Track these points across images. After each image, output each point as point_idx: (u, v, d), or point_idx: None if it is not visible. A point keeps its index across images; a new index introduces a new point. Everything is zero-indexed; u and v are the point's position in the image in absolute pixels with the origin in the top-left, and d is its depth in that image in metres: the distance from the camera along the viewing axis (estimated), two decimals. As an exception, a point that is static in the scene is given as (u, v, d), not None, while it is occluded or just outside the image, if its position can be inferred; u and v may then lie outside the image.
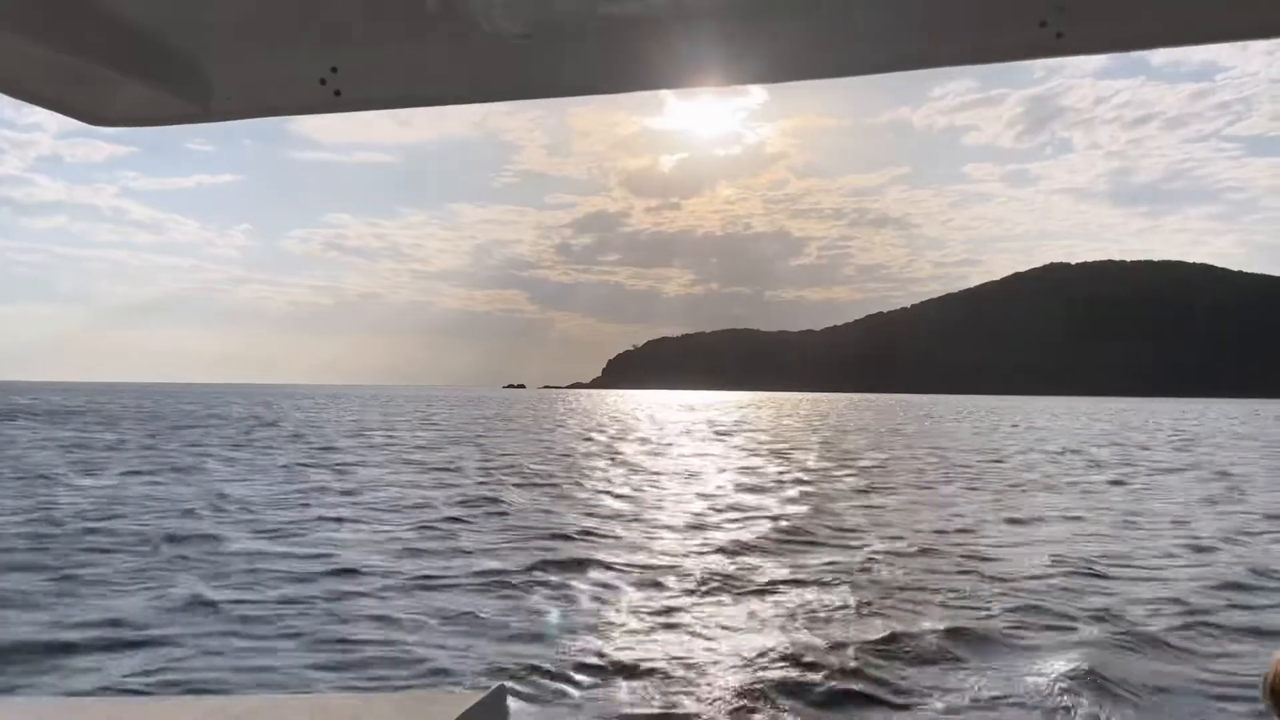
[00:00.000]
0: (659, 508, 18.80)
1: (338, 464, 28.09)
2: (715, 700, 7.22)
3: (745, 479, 24.93)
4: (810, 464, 30.18)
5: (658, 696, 7.35)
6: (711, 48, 1.66)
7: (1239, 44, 1.54)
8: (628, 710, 7.01)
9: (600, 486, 22.79)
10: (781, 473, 26.85)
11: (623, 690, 7.41)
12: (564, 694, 7.25)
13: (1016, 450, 39.11)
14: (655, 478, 25.11)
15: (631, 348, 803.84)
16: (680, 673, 7.76)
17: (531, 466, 28.24)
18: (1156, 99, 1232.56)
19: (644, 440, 44.33)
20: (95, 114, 1.89)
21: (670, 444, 41.16)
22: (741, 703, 7.18)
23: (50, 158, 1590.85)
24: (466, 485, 22.59)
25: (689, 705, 7.21)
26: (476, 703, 1.91)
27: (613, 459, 31.80)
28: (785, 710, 7.13)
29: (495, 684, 2.04)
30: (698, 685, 7.48)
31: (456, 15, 1.64)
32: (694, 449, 38.11)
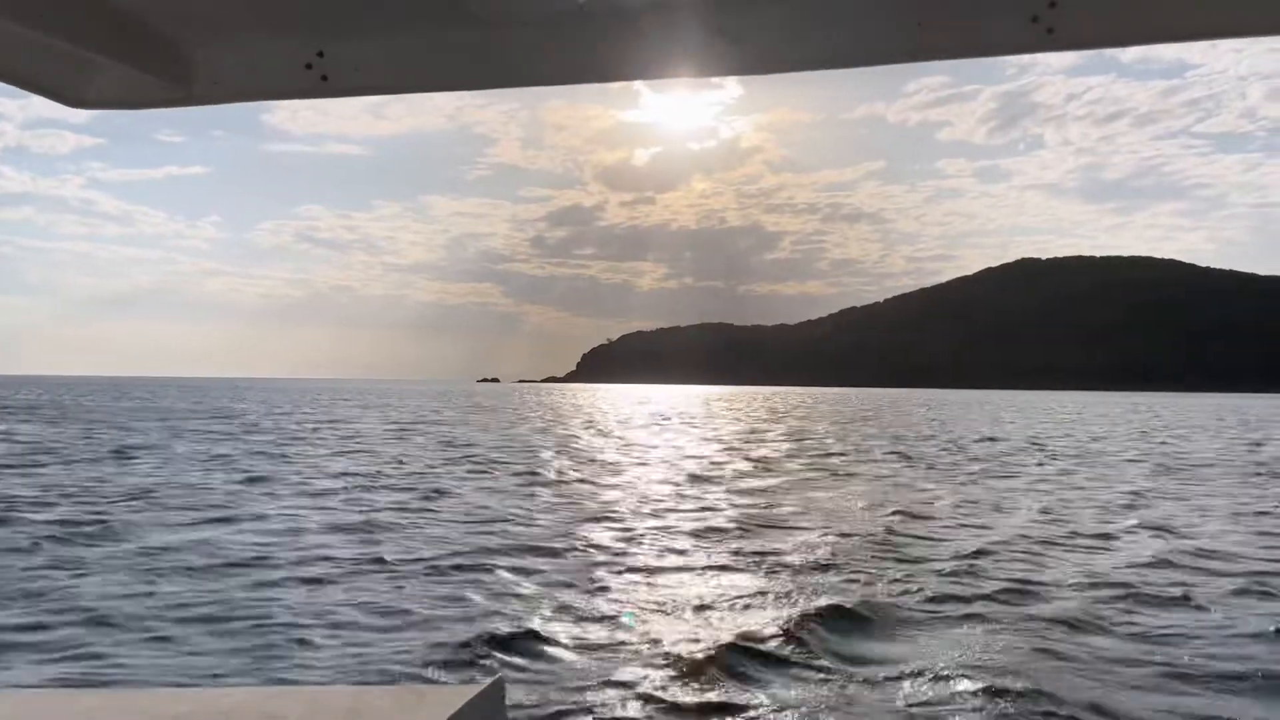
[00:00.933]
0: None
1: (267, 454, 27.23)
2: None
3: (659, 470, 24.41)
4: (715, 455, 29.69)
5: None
6: (700, 38, 1.65)
7: (1213, 41, 1.56)
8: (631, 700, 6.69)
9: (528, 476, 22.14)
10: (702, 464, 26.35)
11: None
12: (564, 686, 6.98)
13: (929, 436, 38.78)
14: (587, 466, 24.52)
15: (606, 342, 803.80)
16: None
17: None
18: (1127, 96, 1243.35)
19: (600, 432, 43.85)
20: (74, 96, 1.85)
21: (620, 434, 40.70)
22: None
23: (15, 149, 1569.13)
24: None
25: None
26: (475, 695, 1.88)
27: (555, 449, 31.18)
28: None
29: (493, 676, 2.04)
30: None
31: (446, 1, 1.63)
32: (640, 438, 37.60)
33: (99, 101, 1.84)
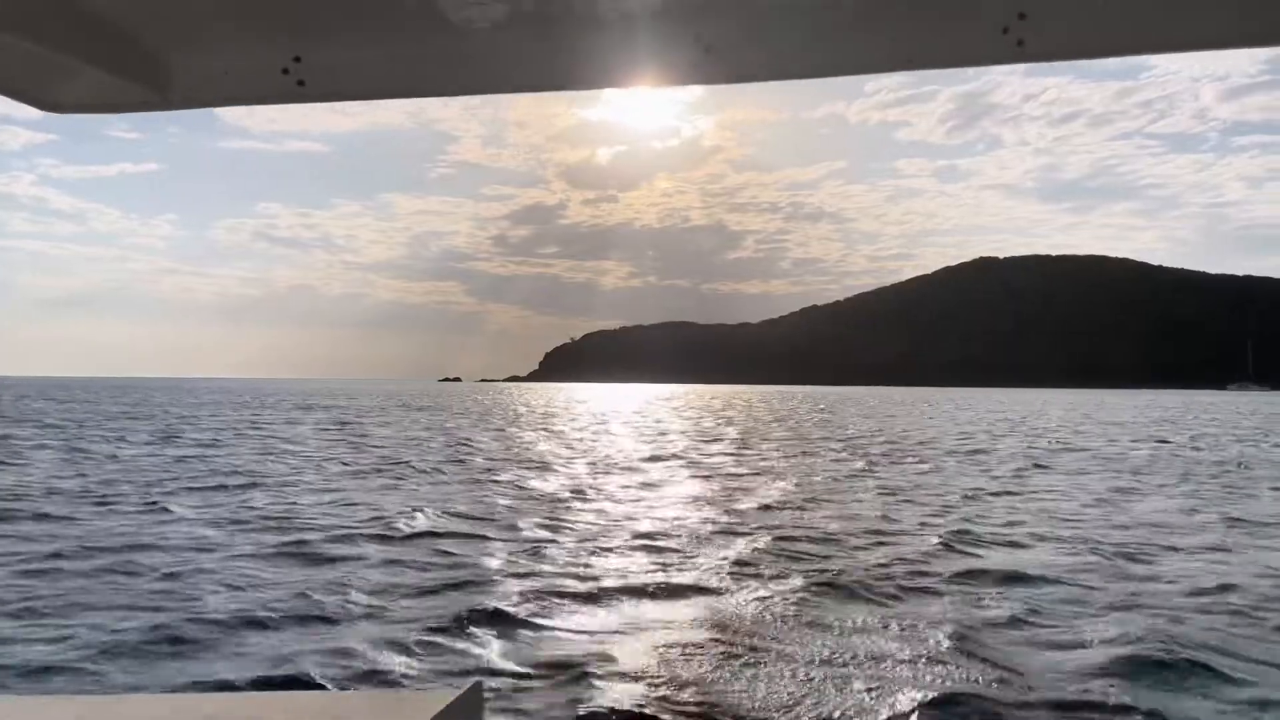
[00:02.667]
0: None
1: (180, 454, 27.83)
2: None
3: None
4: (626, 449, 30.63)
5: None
6: (675, 46, 1.65)
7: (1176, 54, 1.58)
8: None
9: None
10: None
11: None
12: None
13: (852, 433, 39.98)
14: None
15: (569, 340, 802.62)
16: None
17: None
18: (1083, 97, 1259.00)
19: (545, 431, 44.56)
20: (49, 100, 1.83)
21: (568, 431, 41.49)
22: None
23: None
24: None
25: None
26: (453, 701, 1.88)
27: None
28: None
29: (471, 681, 2.06)
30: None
31: (423, 7, 1.63)
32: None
33: (74, 106, 1.86)
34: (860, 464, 26.37)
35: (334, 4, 1.70)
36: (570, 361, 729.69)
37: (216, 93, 1.86)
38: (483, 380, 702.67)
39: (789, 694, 6.85)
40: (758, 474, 23.59)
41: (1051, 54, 1.59)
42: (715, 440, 38.09)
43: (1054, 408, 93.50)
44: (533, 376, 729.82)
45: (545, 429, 46.96)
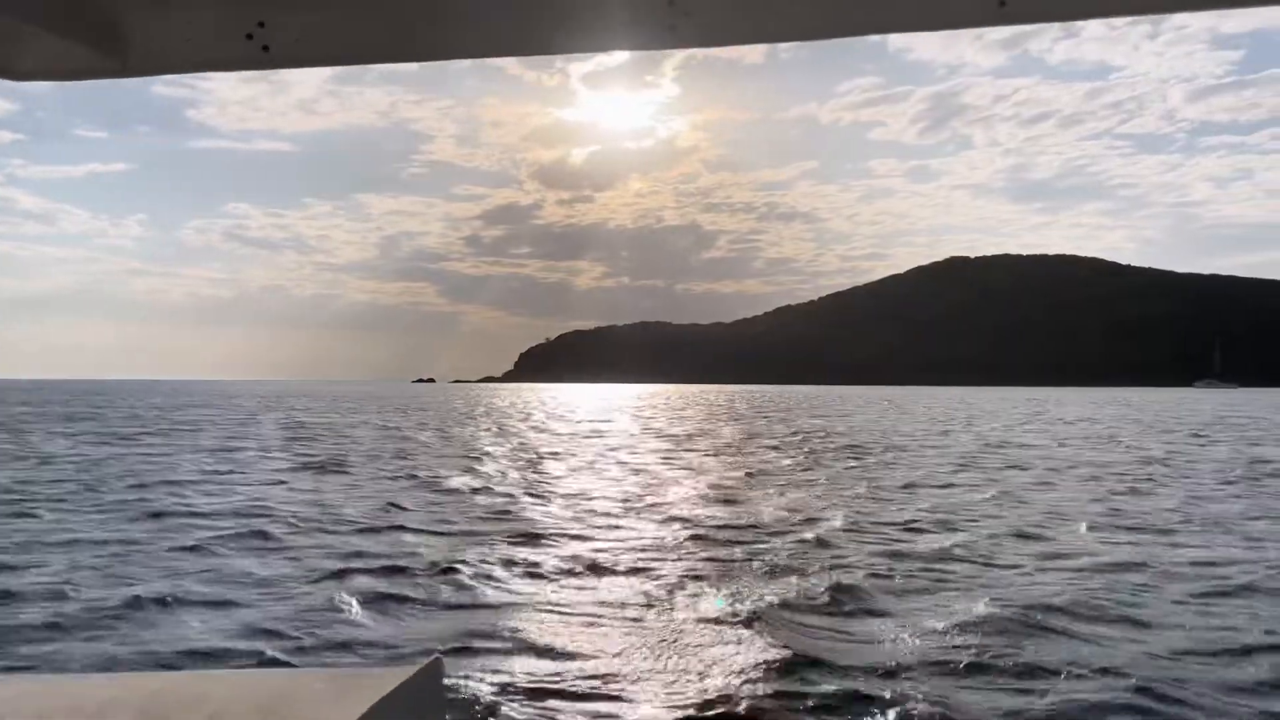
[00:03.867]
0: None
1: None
2: None
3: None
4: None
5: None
6: (653, 8, 1.61)
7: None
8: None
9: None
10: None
11: None
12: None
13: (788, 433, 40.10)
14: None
15: (544, 341, 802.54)
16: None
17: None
18: (1052, 97, 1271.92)
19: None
20: (6, 67, 1.77)
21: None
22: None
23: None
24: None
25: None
26: (411, 675, 1.83)
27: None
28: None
29: (431, 656, 1.98)
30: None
31: None
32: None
33: (31, 73, 1.80)
34: (791, 460, 26.47)
35: None
36: (545, 362, 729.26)
37: (177, 59, 1.80)
38: (456, 381, 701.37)
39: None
40: (667, 471, 23.65)
41: (1034, 15, 1.55)
42: (658, 437, 38.24)
43: (1015, 405, 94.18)
44: (507, 377, 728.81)
45: (495, 427, 46.88)
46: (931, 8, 1.61)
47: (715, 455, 30.19)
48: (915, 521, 15.60)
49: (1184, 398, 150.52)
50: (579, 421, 57.65)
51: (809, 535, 13.97)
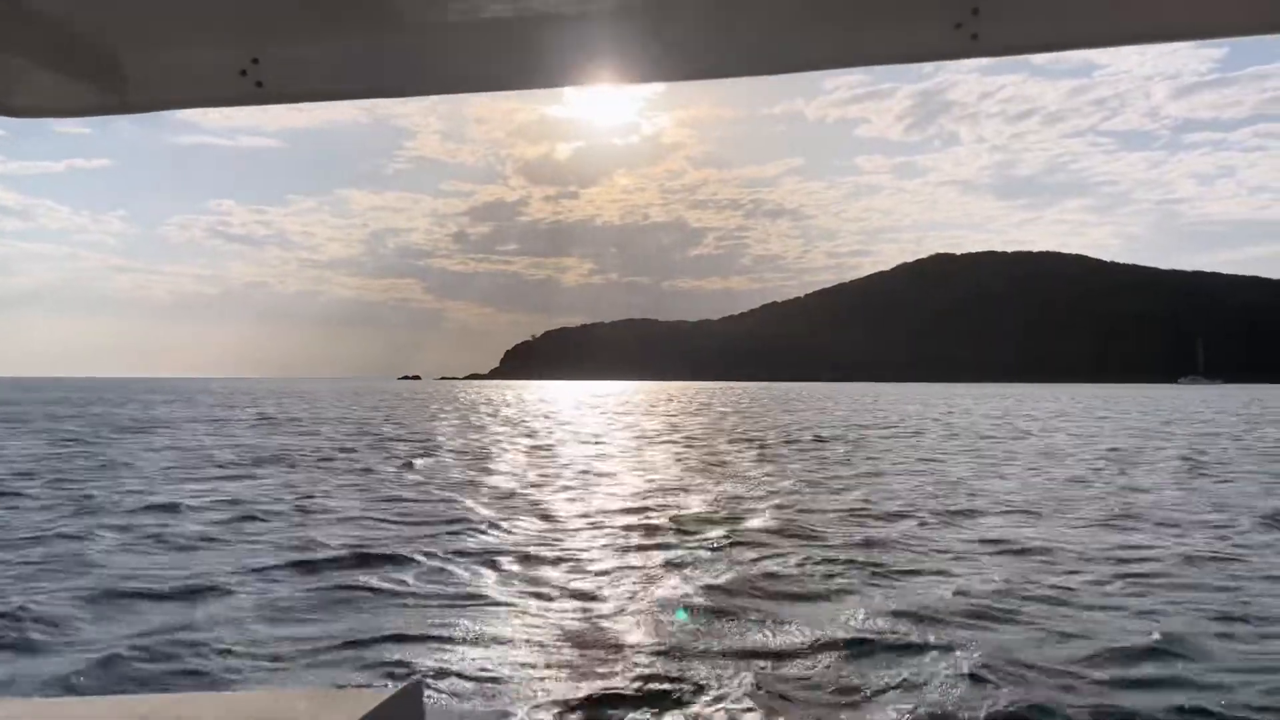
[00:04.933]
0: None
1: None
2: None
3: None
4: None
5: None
6: (633, 44, 1.67)
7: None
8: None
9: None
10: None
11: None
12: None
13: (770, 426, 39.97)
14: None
15: (530, 338, 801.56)
16: None
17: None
18: (1038, 95, 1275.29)
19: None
20: (3, 104, 1.80)
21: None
22: None
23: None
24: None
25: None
26: (389, 697, 1.83)
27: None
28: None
29: (411, 679, 2.09)
30: None
31: (382, 7, 1.63)
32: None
33: (28, 110, 1.81)
34: (754, 453, 26.29)
35: (291, 4, 1.68)
36: (531, 359, 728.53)
37: (173, 95, 1.85)
38: (442, 378, 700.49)
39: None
40: (616, 464, 23.39)
41: (1005, 48, 1.61)
42: (625, 430, 38.08)
43: (989, 402, 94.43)
44: (494, 374, 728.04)
45: (463, 421, 46.62)
46: (905, 41, 1.65)
47: (672, 448, 29.95)
48: (831, 511, 15.36)
49: (1165, 395, 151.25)
50: (547, 416, 57.38)
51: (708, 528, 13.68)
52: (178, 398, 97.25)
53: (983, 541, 12.69)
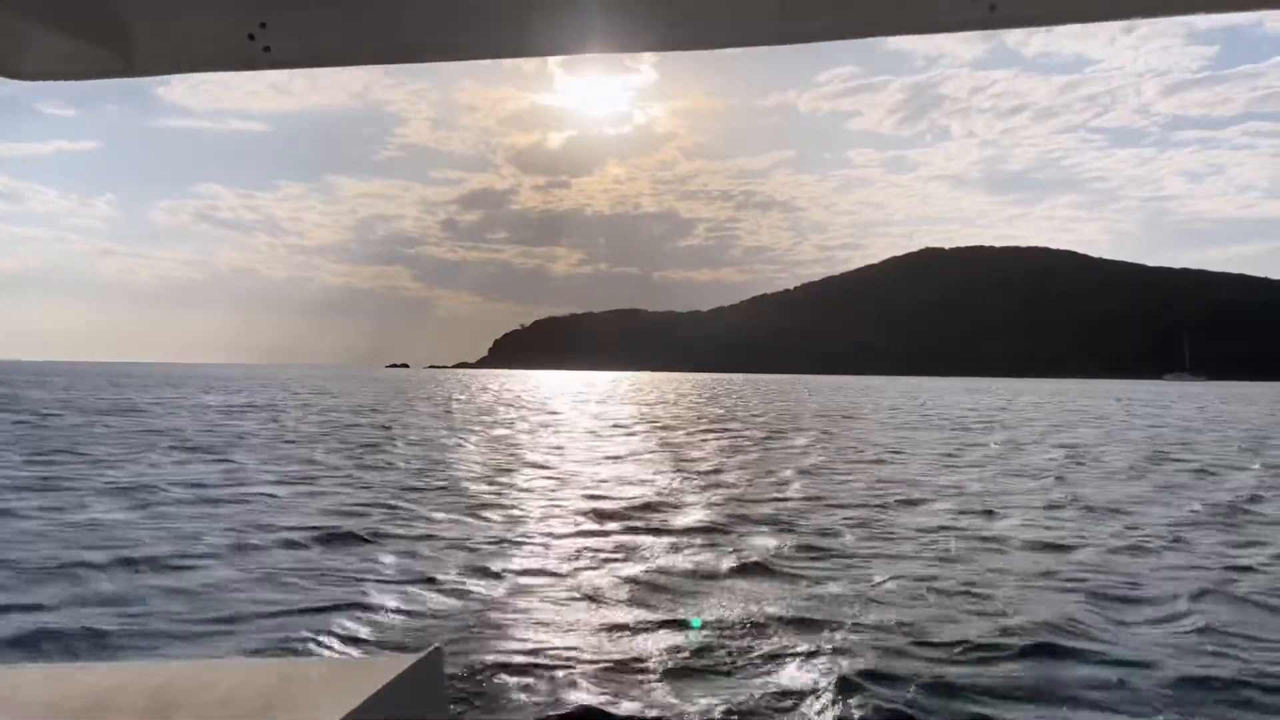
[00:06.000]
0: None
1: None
2: None
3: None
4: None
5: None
6: (648, 11, 1.64)
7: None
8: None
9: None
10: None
11: None
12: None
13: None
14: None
15: (519, 327, 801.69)
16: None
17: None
18: (1029, 90, 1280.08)
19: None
20: (9, 67, 1.79)
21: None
22: None
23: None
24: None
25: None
26: (411, 665, 1.84)
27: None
28: None
29: (431, 646, 1.99)
30: None
31: None
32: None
33: (35, 73, 1.79)
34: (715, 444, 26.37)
35: None
36: (520, 348, 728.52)
37: (181, 59, 1.82)
38: (431, 367, 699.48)
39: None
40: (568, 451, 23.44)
41: (1023, 19, 1.57)
42: (596, 419, 38.10)
43: (965, 395, 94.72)
44: (482, 363, 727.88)
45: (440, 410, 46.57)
46: (922, 11, 1.61)
47: (637, 437, 30.00)
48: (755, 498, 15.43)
49: (1145, 390, 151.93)
50: (523, 406, 57.35)
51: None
52: (157, 383, 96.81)
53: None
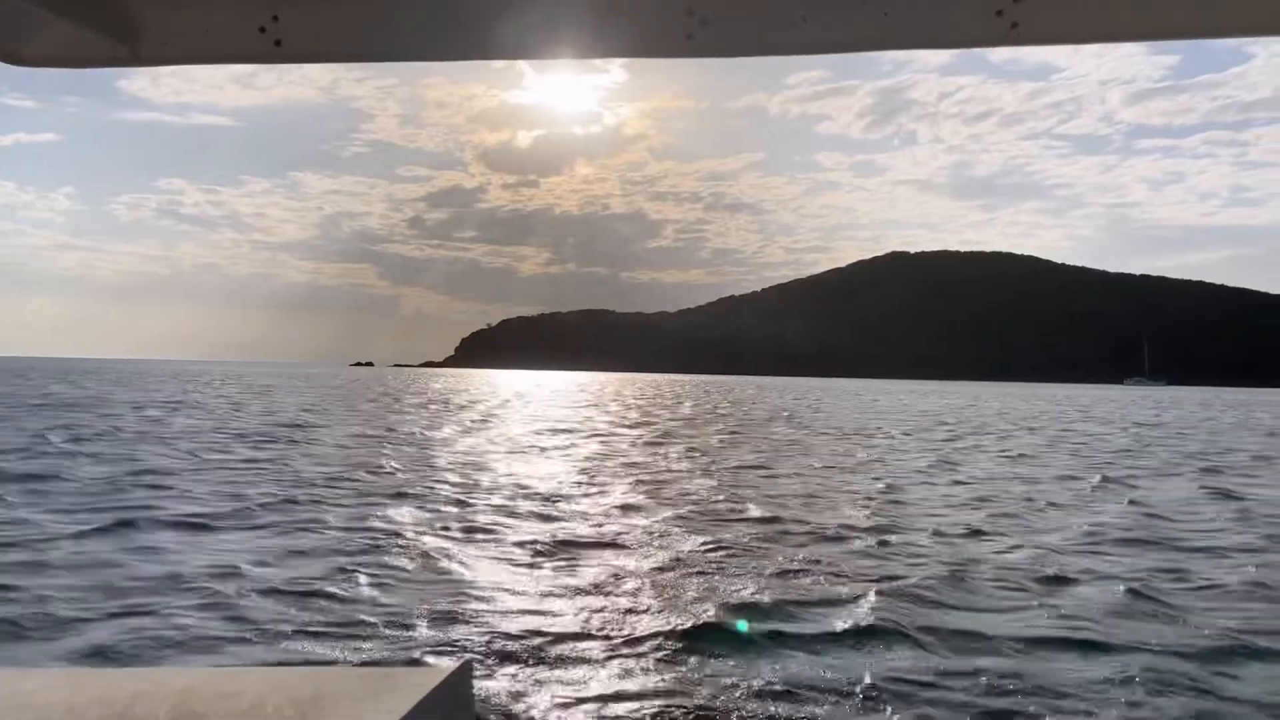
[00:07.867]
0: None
1: None
2: None
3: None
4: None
5: None
6: (667, 18, 1.64)
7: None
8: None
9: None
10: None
11: None
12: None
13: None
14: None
15: (486, 326, 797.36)
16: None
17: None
18: (996, 96, 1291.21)
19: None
20: (14, 53, 1.77)
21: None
22: None
23: None
24: None
25: None
26: (443, 680, 1.81)
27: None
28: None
29: (461, 660, 1.95)
30: None
31: None
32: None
33: (40, 60, 1.78)
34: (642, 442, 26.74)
35: None
36: (487, 347, 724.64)
37: (190, 50, 1.80)
38: (396, 365, 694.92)
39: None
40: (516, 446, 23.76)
41: (1045, 38, 1.58)
42: (547, 418, 38.45)
43: (920, 398, 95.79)
44: (448, 362, 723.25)
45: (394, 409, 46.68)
46: (944, 26, 1.62)
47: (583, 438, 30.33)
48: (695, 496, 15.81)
49: (1103, 396, 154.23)
50: (475, 405, 57.50)
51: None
52: (110, 380, 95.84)
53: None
